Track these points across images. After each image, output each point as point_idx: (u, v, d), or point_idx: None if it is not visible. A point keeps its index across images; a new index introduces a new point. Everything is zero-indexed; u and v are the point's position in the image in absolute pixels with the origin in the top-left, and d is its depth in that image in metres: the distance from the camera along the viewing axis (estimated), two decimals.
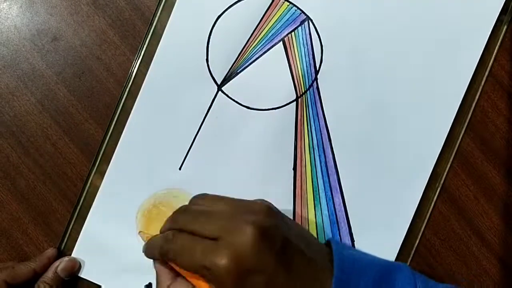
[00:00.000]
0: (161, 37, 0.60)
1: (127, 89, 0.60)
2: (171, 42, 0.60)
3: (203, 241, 0.46)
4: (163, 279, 0.51)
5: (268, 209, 0.48)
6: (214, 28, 0.60)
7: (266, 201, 0.50)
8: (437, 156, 0.60)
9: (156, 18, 0.60)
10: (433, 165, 0.60)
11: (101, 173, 0.61)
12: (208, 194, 0.53)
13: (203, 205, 0.51)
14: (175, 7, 0.60)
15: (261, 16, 0.60)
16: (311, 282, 0.46)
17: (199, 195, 0.54)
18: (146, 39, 0.60)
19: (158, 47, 0.60)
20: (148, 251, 0.53)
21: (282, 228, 0.47)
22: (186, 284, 0.50)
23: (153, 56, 0.60)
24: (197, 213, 0.50)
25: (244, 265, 0.44)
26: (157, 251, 0.51)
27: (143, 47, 0.61)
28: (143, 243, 0.58)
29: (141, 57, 0.60)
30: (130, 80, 0.60)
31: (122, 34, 0.61)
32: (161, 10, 0.60)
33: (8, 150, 0.61)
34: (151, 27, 0.60)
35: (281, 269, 0.45)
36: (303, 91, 0.60)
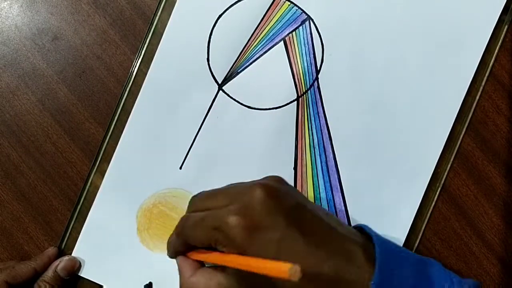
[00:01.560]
0: (161, 36, 0.60)
1: (128, 89, 0.60)
2: (172, 42, 0.60)
3: (215, 210, 0.46)
4: (184, 270, 0.51)
5: (281, 178, 0.48)
6: (215, 27, 0.60)
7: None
8: (438, 157, 0.60)
9: (157, 18, 0.60)
10: (434, 165, 0.60)
11: (102, 173, 0.61)
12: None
13: (202, 201, 0.51)
14: (175, 6, 0.60)
15: (262, 16, 0.60)
16: (334, 248, 0.44)
17: (201, 192, 0.53)
18: (147, 39, 0.60)
19: (159, 46, 0.60)
20: (169, 243, 0.53)
21: (294, 195, 0.47)
22: (207, 273, 0.49)
23: (153, 56, 0.60)
24: (209, 193, 0.50)
25: (253, 219, 0.43)
26: (174, 236, 0.51)
27: (143, 46, 0.61)
28: (143, 243, 0.58)
29: (141, 56, 0.60)
30: (130, 80, 0.60)
31: (122, 33, 0.61)
32: (162, 10, 0.60)
33: (9, 149, 0.61)
34: (151, 27, 0.60)
35: (294, 229, 0.44)
36: (304, 90, 0.60)
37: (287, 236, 0.43)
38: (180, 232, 0.49)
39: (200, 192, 0.52)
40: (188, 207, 0.52)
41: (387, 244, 0.47)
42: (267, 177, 0.49)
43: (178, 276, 0.60)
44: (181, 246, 0.51)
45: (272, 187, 0.45)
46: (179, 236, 0.50)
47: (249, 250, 0.43)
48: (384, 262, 0.45)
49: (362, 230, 0.50)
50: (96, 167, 0.61)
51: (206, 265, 0.51)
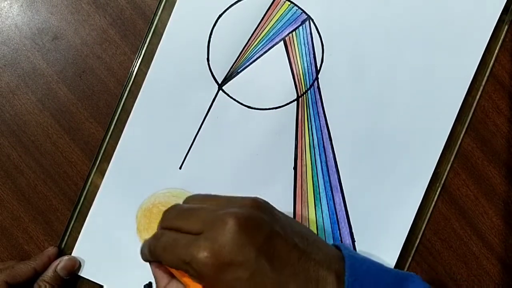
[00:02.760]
0: (161, 36, 0.60)
1: (128, 88, 0.60)
2: (172, 42, 0.60)
3: (186, 236, 0.45)
4: (159, 279, 0.51)
5: (255, 202, 0.47)
6: (215, 27, 0.60)
7: (258, 197, 0.48)
8: (438, 157, 0.60)
9: (157, 18, 0.60)
10: (434, 165, 0.60)
11: (102, 172, 0.61)
12: (201, 194, 0.52)
13: (193, 204, 0.50)
14: (175, 6, 0.60)
15: (262, 16, 0.60)
16: (306, 279, 0.44)
17: (193, 195, 0.53)
18: (147, 38, 0.60)
19: (159, 46, 0.60)
20: (142, 252, 0.53)
21: (268, 221, 0.45)
22: (181, 284, 0.49)
23: (153, 56, 0.60)
24: (183, 210, 0.49)
25: (224, 257, 0.42)
26: (147, 250, 0.50)
27: (143, 46, 0.61)
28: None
29: (141, 56, 0.60)
30: (130, 79, 0.60)
31: (122, 33, 0.61)
32: (162, 10, 0.60)
33: (9, 149, 0.61)
34: (151, 26, 0.60)
35: (264, 264, 0.43)
36: (303, 90, 0.60)
37: (257, 272, 0.43)
38: (152, 250, 0.49)
39: (174, 206, 0.51)
40: (161, 220, 0.50)
41: (360, 266, 0.47)
42: (245, 198, 0.47)
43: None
44: (152, 259, 0.51)
45: (244, 219, 0.44)
46: (150, 252, 0.49)
47: (218, 287, 0.43)
48: (356, 278, 0.45)
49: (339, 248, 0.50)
50: (96, 167, 0.61)
51: None
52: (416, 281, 0.49)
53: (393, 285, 0.47)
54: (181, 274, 0.47)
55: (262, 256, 0.43)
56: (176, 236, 0.46)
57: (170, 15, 0.60)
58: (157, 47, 0.60)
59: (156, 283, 0.51)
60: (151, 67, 0.60)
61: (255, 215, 0.45)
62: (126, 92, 0.60)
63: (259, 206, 0.47)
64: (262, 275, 0.43)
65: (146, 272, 0.60)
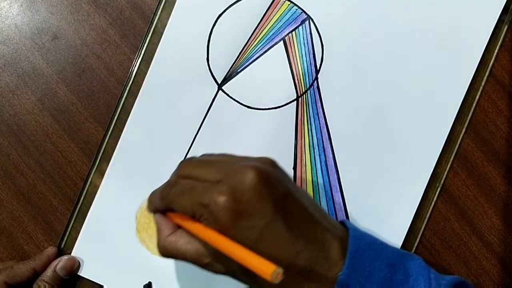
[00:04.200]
0: (161, 36, 0.60)
1: (128, 88, 0.60)
2: (172, 42, 0.60)
3: (204, 183, 0.45)
4: (163, 228, 0.50)
5: (274, 162, 0.47)
6: (215, 27, 0.60)
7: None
8: (437, 157, 0.60)
9: (157, 17, 0.60)
10: (433, 165, 0.60)
11: (101, 172, 0.61)
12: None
13: (208, 157, 0.50)
14: (175, 6, 0.60)
15: (262, 15, 0.60)
16: (312, 240, 0.45)
17: (208, 153, 0.52)
18: (147, 38, 0.60)
19: (159, 46, 0.60)
20: (151, 199, 0.52)
21: (285, 181, 0.46)
22: (186, 235, 0.48)
23: (153, 55, 0.60)
24: (201, 160, 0.49)
25: (242, 205, 0.43)
26: (158, 197, 0.50)
27: (143, 46, 0.61)
28: (142, 243, 0.58)
29: (141, 56, 0.60)
30: (130, 79, 0.60)
31: (122, 33, 0.61)
32: (162, 9, 0.60)
33: (9, 149, 0.61)
34: (151, 26, 0.60)
35: (279, 218, 0.43)
36: (303, 90, 0.60)
37: (270, 225, 0.43)
38: (165, 195, 0.49)
39: (191, 158, 0.51)
40: (177, 169, 0.50)
41: (363, 238, 0.48)
42: (260, 158, 0.48)
43: (177, 276, 0.60)
44: (162, 207, 0.50)
45: (265, 172, 0.44)
46: (163, 198, 0.49)
47: (231, 232, 0.42)
48: (356, 254, 0.45)
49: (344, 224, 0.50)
50: (95, 167, 0.61)
51: None
52: (417, 260, 0.49)
53: (394, 259, 0.48)
54: (191, 221, 0.46)
55: (278, 211, 0.44)
56: (194, 183, 0.46)
57: (170, 15, 0.60)
58: (157, 47, 0.60)
59: (158, 233, 0.50)
60: (150, 67, 0.60)
61: (275, 172, 0.46)
62: (126, 92, 0.60)
63: (277, 166, 0.47)
64: (274, 229, 0.43)
65: (145, 272, 0.60)
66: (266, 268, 0.36)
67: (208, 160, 0.49)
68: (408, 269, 0.48)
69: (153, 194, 0.52)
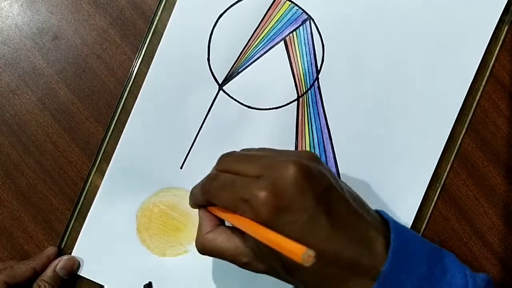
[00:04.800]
0: (162, 36, 0.60)
1: (128, 88, 0.60)
2: (172, 42, 0.60)
3: (245, 178, 0.45)
4: (205, 224, 0.50)
5: (314, 156, 0.47)
6: (216, 27, 0.60)
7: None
8: (438, 157, 0.60)
9: (157, 18, 0.60)
10: (434, 165, 0.60)
11: (102, 172, 0.61)
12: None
13: (248, 151, 0.50)
14: (176, 6, 0.60)
15: (263, 16, 0.60)
16: (357, 235, 0.45)
17: (247, 148, 0.52)
18: (147, 38, 0.60)
19: (159, 46, 0.60)
20: (192, 193, 0.52)
21: (326, 175, 0.46)
22: (225, 232, 0.48)
23: (153, 55, 0.60)
24: (241, 155, 0.49)
25: (283, 200, 0.42)
26: (199, 191, 0.50)
27: (143, 46, 0.60)
28: (143, 243, 0.58)
29: (141, 56, 0.60)
30: (130, 79, 0.60)
31: (123, 33, 0.61)
32: (162, 9, 0.60)
33: (9, 149, 0.61)
34: (152, 26, 0.60)
35: (322, 213, 0.43)
36: (304, 90, 0.60)
37: (313, 220, 0.43)
38: (206, 190, 0.48)
39: (231, 152, 0.51)
40: (218, 163, 0.50)
41: (403, 231, 0.47)
42: (301, 151, 0.48)
43: (177, 276, 0.60)
44: (203, 201, 0.50)
45: (306, 167, 0.44)
46: (204, 192, 0.49)
47: (273, 228, 0.42)
48: (398, 249, 0.45)
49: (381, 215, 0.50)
50: (96, 167, 0.61)
51: (226, 224, 0.51)
52: (452, 256, 0.49)
53: (432, 255, 0.48)
54: (233, 216, 0.46)
55: (320, 206, 0.43)
56: (234, 177, 0.46)
57: (170, 15, 0.60)
58: (157, 47, 0.60)
59: (198, 229, 0.50)
60: (151, 67, 0.60)
61: (316, 166, 0.45)
62: (126, 92, 0.60)
63: (318, 161, 0.47)
64: (317, 224, 0.43)
65: (146, 272, 0.60)
66: (296, 250, 0.36)
67: (248, 155, 0.49)
68: (446, 265, 0.48)
69: (194, 189, 0.52)
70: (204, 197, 0.49)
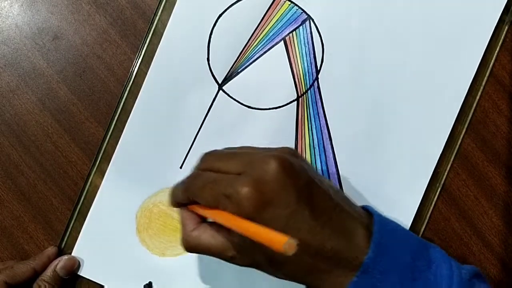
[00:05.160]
0: (162, 36, 0.60)
1: (128, 88, 0.60)
2: (172, 42, 0.60)
3: (227, 175, 0.46)
4: (187, 222, 0.50)
5: (294, 151, 0.48)
6: (215, 27, 0.60)
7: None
8: (438, 157, 0.60)
9: (157, 18, 0.60)
10: (434, 165, 0.60)
11: (102, 172, 0.61)
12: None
13: (229, 149, 0.51)
14: (176, 6, 0.60)
15: (262, 15, 0.60)
16: (339, 228, 0.45)
17: (228, 147, 0.52)
18: (147, 38, 0.60)
19: (159, 46, 0.60)
20: (173, 193, 0.52)
21: (307, 169, 0.46)
22: (210, 229, 0.48)
23: (154, 55, 0.60)
24: (222, 153, 0.49)
25: (266, 195, 0.43)
26: (180, 190, 0.50)
27: (144, 46, 0.60)
28: (142, 243, 0.58)
29: (142, 56, 0.60)
30: (131, 79, 0.60)
31: (123, 33, 0.61)
32: (162, 9, 0.60)
33: (9, 149, 0.61)
34: (151, 26, 0.60)
35: (304, 207, 0.44)
36: (304, 90, 0.60)
37: (296, 213, 0.44)
38: (188, 188, 0.49)
39: (213, 151, 0.51)
40: (200, 162, 0.51)
41: (387, 224, 0.48)
42: (280, 148, 0.48)
43: (177, 276, 0.60)
44: (184, 200, 0.50)
45: (287, 162, 0.44)
46: (186, 190, 0.49)
47: (256, 222, 0.42)
48: (381, 239, 0.46)
49: (367, 210, 0.51)
50: (96, 167, 0.61)
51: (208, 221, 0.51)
52: (438, 248, 0.50)
53: (417, 247, 0.49)
54: (215, 212, 0.46)
55: (302, 199, 0.44)
56: (216, 175, 0.47)
57: (170, 15, 0.60)
58: (157, 47, 0.60)
59: (182, 227, 0.50)
60: (151, 67, 0.60)
61: (296, 161, 0.46)
62: (126, 92, 0.60)
63: (298, 155, 0.48)
64: (300, 217, 0.44)
65: (146, 272, 0.60)
66: (278, 239, 0.36)
67: (229, 153, 0.49)
68: (431, 257, 0.48)
69: (174, 188, 0.52)
70: (186, 195, 0.49)
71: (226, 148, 0.52)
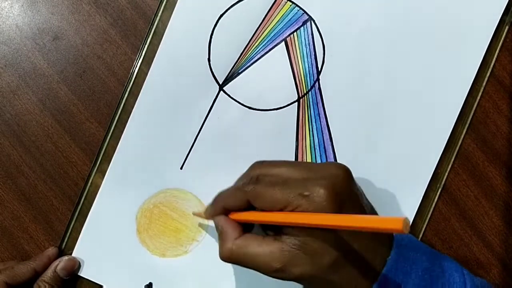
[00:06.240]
0: (162, 36, 0.60)
1: (128, 88, 0.60)
2: (173, 42, 0.60)
3: (295, 179, 0.47)
4: (230, 232, 0.50)
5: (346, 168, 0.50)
6: (216, 27, 0.60)
7: None
8: (439, 157, 0.60)
9: (158, 18, 0.60)
10: (434, 166, 0.60)
11: (102, 172, 0.61)
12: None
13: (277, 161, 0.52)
14: (176, 6, 0.60)
15: (263, 16, 0.60)
16: (372, 242, 0.47)
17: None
18: (147, 39, 0.60)
19: (159, 46, 0.60)
20: (218, 200, 0.52)
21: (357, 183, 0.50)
22: (256, 238, 0.48)
23: (154, 56, 0.60)
24: (276, 162, 0.51)
25: (341, 196, 0.45)
26: (233, 195, 0.50)
27: (144, 46, 0.60)
28: (143, 243, 0.58)
29: (142, 56, 0.60)
30: (131, 79, 0.60)
31: (123, 33, 0.61)
32: (163, 10, 0.60)
33: (9, 149, 0.61)
34: (152, 27, 0.60)
35: (356, 209, 0.47)
36: (305, 91, 0.60)
37: (355, 213, 0.46)
38: (248, 192, 0.48)
39: (262, 160, 0.52)
40: (251, 170, 0.51)
41: (404, 236, 0.51)
42: (331, 162, 0.53)
43: (177, 277, 0.60)
44: (237, 205, 0.50)
45: (349, 171, 0.48)
46: (245, 193, 0.49)
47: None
48: (401, 243, 0.49)
49: None
50: (96, 167, 0.61)
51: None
52: (450, 259, 0.52)
53: (432, 255, 0.50)
54: (282, 214, 0.46)
55: (358, 206, 0.48)
56: (284, 179, 0.48)
57: (171, 16, 0.60)
58: (157, 48, 0.60)
59: (224, 236, 0.50)
60: (151, 68, 0.60)
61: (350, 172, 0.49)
62: (127, 92, 0.60)
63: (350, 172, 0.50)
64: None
65: (146, 273, 0.60)
66: (396, 222, 0.36)
67: (283, 161, 0.50)
68: (444, 266, 0.50)
69: (223, 191, 0.53)
70: (245, 200, 0.49)
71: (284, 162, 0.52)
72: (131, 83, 0.60)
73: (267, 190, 0.47)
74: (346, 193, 0.46)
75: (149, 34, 0.60)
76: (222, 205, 0.52)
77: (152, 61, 0.60)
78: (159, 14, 0.60)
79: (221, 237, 0.50)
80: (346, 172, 0.47)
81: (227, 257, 0.49)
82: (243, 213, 0.50)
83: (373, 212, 0.51)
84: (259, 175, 0.49)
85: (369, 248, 0.47)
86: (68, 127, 0.61)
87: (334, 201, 0.44)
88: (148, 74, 0.60)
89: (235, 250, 0.48)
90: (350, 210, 0.46)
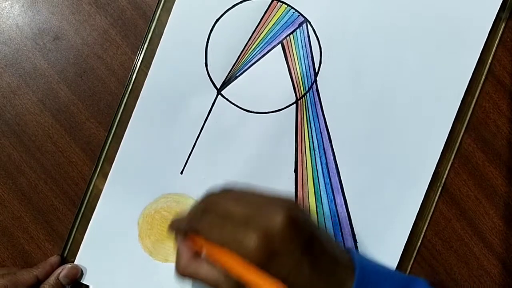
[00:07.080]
0: (161, 37, 0.60)
1: (129, 89, 0.60)
2: (170, 47, 0.60)
3: (236, 219, 0.46)
4: (185, 250, 0.50)
5: (299, 205, 0.51)
6: (212, 32, 0.60)
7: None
8: (438, 157, 0.60)
9: (156, 18, 0.60)
10: (434, 166, 0.60)
11: (104, 175, 0.61)
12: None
13: (232, 188, 0.51)
14: (172, 11, 0.60)
15: (259, 19, 0.60)
16: (333, 280, 0.46)
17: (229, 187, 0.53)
18: (147, 39, 0.60)
19: (158, 48, 0.60)
20: (175, 223, 0.53)
21: (310, 223, 0.47)
22: (207, 261, 0.48)
23: (154, 56, 0.60)
24: (229, 194, 0.50)
25: (274, 245, 0.44)
26: (185, 221, 0.51)
27: (144, 46, 0.60)
28: (145, 249, 0.58)
29: (142, 56, 0.60)
30: (131, 79, 0.60)
31: (123, 33, 0.61)
32: (161, 11, 0.60)
33: (10, 149, 0.61)
34: (151, 27, 0.60)
35: (305, 261, 0.45)
36: (302, 93, 0.60)
37: (297, 266, 0.45)
38: (195, 223, 0.49)
39: (217, 189, 0.51)
40: (205, 198, 0.51)
41: (368, 266, 0.49)
42: (284, 200, 0.49)
43: (180, 284, 0.60)
44: (188, 230, 0.50)
45: (294, 215, 0.46)
46: (192, 224, 0.50)
47: (263, 269, 0.44)
48: (362, 282, 0.47)
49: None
50: (98, 169, 0.61)
51: None
52: (422, 285, 0.50)
53: (399, 285, 0.49)
54: (217, 250, 0.47)
55: (304, 254, 0.45)
56: (224, 215, 0.47)
57: (169, 15, 0.60)
58: (157, 48, 0.60)
59: (180, 254, 0.50)
60: (151, 69, 0.60)
61: (302, 217, 0.47)
62: (128, 92, 0.60)
63: (302, 210, 0.49)
64: (301, 269, 0.45)
65: (149, 280, 0.61)
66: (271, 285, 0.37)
67: (236, 193, 0.50)
68: None
69: (179, 217, 0.53)
70: (191, 228, 0.50)
71: (225, 185, 0.52)
72: (132, 83, 0.60)
73: (209, 229, 0.47)
74: (283, 241, 0.45)
75: (149, 35, 0.60)
76: (176, 227, 0.52)
77: (152, 61, 0.60)
78: (157, 15, 0.60)
79: (178, 255, 0.51)
80: (286, 217, 0.45)
81: (179, 273, 0.50)
82: (195, 237, 0.50)
83: (332, 246, 0.49)
84: (206, 208, 0.49)
85: None
86: (68, 127, 0.62)
87: (265, 249, 0.44)
88: (148, 75, 0.60)
89: (187, 269, 0.49)
90: (287, 257, 0.45)
